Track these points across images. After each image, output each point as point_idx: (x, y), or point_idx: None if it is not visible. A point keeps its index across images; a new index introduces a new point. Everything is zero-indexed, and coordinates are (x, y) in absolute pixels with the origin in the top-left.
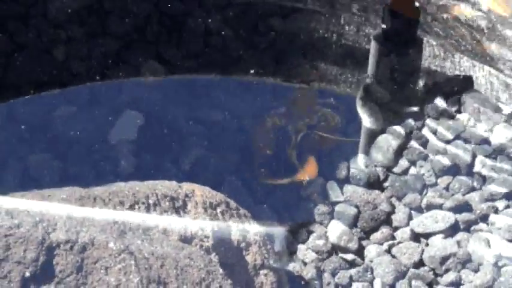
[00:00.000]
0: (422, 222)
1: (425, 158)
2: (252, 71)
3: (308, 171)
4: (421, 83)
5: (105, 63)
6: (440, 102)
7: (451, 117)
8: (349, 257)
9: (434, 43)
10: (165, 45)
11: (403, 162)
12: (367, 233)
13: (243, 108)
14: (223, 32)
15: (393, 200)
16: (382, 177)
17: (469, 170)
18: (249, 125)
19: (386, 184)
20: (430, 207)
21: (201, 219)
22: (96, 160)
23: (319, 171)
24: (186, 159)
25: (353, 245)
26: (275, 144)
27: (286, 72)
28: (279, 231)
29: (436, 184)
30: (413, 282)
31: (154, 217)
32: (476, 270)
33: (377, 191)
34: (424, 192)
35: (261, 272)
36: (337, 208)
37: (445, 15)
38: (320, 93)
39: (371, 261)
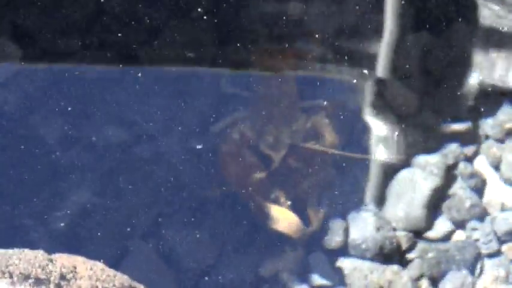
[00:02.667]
0: None
1: (481, 216)
2: (179, 57)
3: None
4: (473, 78)
5: None
6: (507, 111)
7: None
8: None
9: (496, 8)
10: (25, 14)
11: (443, 224)
12: None
13: (166, 117)
14: None
15: (424, 282)
16: (405, 245)
17: None
18: (178, 147)
19: (412, 255)
20: None
21: None
22: None
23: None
24: (62, 209)
25: None
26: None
27: (237, 57)
28: None
29: (498, 253)
30: None
31: None
32: None
33: (395, 267)
34: (479, 267)
35: None
36: None
37: None
38: (302, 87)
39: None
